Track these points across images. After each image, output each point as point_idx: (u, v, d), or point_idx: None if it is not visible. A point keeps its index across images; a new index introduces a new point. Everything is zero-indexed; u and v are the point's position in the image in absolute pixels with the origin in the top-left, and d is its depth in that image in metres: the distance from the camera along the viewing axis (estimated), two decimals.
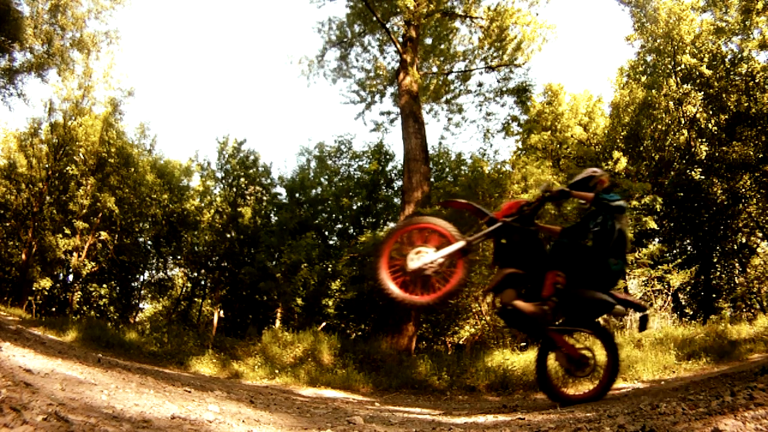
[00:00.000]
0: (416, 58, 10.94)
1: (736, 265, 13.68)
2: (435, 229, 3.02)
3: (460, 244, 2.88)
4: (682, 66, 13.39)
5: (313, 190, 15.34)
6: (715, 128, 13.00)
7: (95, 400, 1.37)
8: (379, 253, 2.96)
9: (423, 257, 2.85)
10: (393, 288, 2.86)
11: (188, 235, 17.80)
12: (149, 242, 19.46)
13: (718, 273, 13.79)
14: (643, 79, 14.84)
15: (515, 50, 11.11)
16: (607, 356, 3.09)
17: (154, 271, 20.29)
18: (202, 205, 18.31)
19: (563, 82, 17.81)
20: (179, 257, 18.98)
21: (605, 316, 3.17)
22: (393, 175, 15.80)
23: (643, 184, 9.55)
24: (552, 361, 3.16)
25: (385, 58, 12.67)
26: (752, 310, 12.34)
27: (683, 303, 13.24)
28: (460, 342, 11.30)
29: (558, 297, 2.92)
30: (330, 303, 10.54)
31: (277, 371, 6.51)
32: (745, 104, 12.46)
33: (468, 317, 10.04)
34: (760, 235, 13.27)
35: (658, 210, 10.78)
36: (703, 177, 12.26)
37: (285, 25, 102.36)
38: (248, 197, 17.98)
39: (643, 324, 3.25)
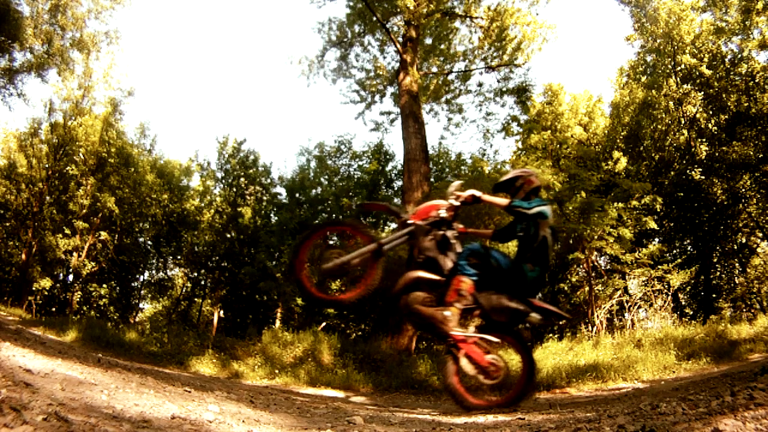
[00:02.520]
0: (416, 58, 10.94)
1: (736, 265, 13.68)
2: (351, 231, 3.11)
3: (372, 245, 2.95)
4: (682, 66, 13.40)
5: (313, 190, 15.35)
6: (715, 128, 13.00)
7: (95, 400, 1.37)
8: (296, 254, 3.00)
9: (336, 258, 2.92)
10: (308, 288, 2.96)
11: (188, 235, 17.81)
12: (149, 242, 19.47)
13: (718, 273, 13.79)
14: (643, 79, 14.84)
15: (515, 50, 11.10)
16: (522, 365, 3.01)
17: (154, 271, 20.31)
18: (202, 205, 18.32)
19: (563, 82, 17.85)
20: (179, 257, 19.00)
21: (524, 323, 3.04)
22: (393, 175, 15.81)
23: (643, 184, 9.55)
24: (460, 365, 3.04)
25: (385, 58, 12.67)
26: (752, 310, 12.34)
27: (683, 303, 13.24)
28: None
29: (465, 303, 2.87)
30: None
31: (277, 371, 6.51)
32: (745, 104, 12.46)
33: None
34: (760, 235, 13.27)
35: (658, 210, 10.78)
36: (703, 177, 12.26)
37: (285, 25, 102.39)
38: (248, 197, 17.99)
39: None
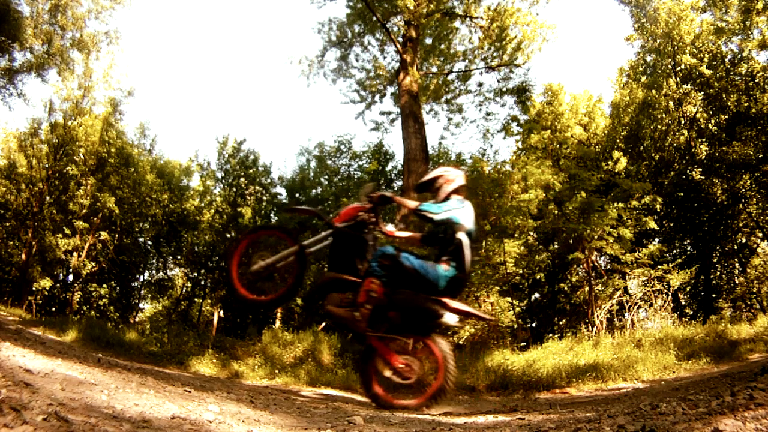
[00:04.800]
0: (416, 58, 10.94)
1: (736, 265, 13.68)
2: (279, 234, 3.29)
3: (294, 248, 3.10)
4: (682, 66, 13.40)
5: (313, 190, 15.36)
6: (715, 128, 13.00)
7: (95, 400, 1.37)
8: (230, 258, 3.16)
9: (262, 261, 3.08)
10: (239, 289, 3.10)
11: (188, 235, 17.80)
12: (149, 242, 19.47)
13: (718, 273, 13.79)
14: (643, 79, 14.84)
15: (515, 50, 11.11)
16: (437, 368, 3.00)
17: (154, 271, 20.32)
18: (202, 205, 18.32)
19: (563, 82, 17.86)
20: (179, 257, 19.00)
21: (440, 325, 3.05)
22: (393, 175, 15.83)
23: (643, 184, 9.55)
24: (374, 364, 3.10)
25: (385, 58, 12.68)
26: (752, 310, 12.34)
27: (683, 303, 13.23)
28: (460, 342, 11.30)
29: (377, 304, 2.91)
30: None
31: (277, 371, 6.51)
32: (745, 104, 12.46)
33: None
34: (760, 235, 13.27)
35: (658, 210, 10.77)
36: (703, 177, 12.26)
37: (285, 25, 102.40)
38: (248, 197, 17.99)
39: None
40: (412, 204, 3.13)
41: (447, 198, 3.17)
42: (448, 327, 3.06)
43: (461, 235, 2.99)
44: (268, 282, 3.18)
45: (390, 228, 3.34)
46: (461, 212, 3.06)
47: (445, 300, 2.95)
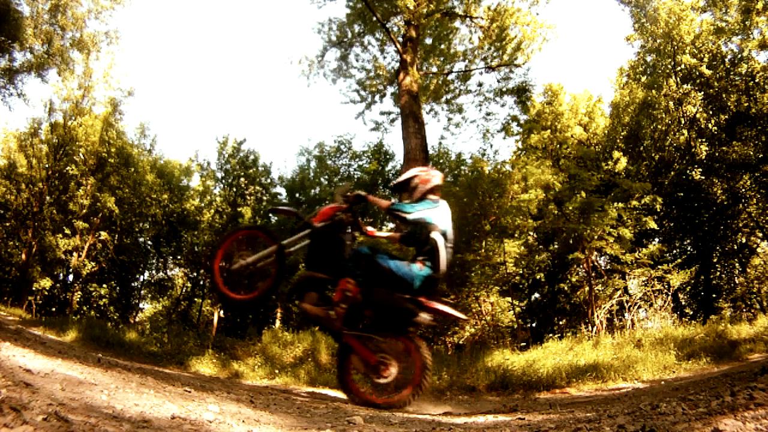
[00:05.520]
0: (416, 58, 10.94)
1: (736, 265, 13.68)
2: (260, 234, 3.39)
3: (273, 247, 3.18)
4: (682, 66, 13.40)
5: (313, 190, 15.36)
6: (715, 128, 13.00)
7: (95, 400, 1.37)
8: (213, 257, 3.25)
9: (243, 260, 3.16)
10: (222, 288, 3.19)
11: (188, 235, 17.80)
12: (149, 242, 19.47)
13: (718, 273, 13.79)
14: (643, 79, 14.84)
15: (515, 50, 11.11)
16: (414, 367, 3.05)
17: (154, 271, 20.32)
18: (202, 205, 18.31)
19: (563, 82, 17.85)
20: (179, 257, 18.99)
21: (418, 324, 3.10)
22: (393, 175, 15.83)
23: (643, 184, 9.55)
24: (351, 362, 3.16)
25: (385, 58, 12.68)
26: (752, 310, 12.34)
27: (683, 303, 13.23)
28: (460, 342, 11.30)
29: (353, 303, 2.96)
30: None
31: (277, 371, 6.51)
32: (745, 104, 12.46)
33: (468, 317, 10.04)
34: (760, 235, 13.27)
35: (658, 210, 10.78)
36: (703, 177, 12.26)
37: (285, 25, 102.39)
38: (248, 197, 17.99)
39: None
40: (385, 203, 3.17)
41: (422, 198, 3.22)
42: (423, 325, 3.10)
43: (436, 236, 3.03)
44: (250, 281, 3.27)
45: (371, 228, 3.42)
46: (435, 212, 3.10)
47: (421, 299, 3.00)
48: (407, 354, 3.06)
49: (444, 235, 3.09)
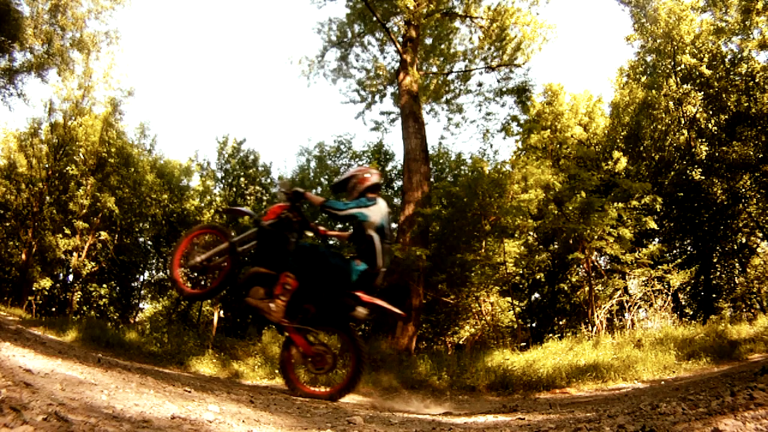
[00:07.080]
0: (416, 58, 10.94)
1: (736, 265, 13.67)
2: (212, 232, 3.55)
3: (225, 244, 3.33)
4: (682, 66, 13.39)
5: (313, 190, 15.35)
6: (715, 128, 12.99)
7: (95, 400, 1.37)
8: (174, 254, 3.41)
9: (198, 256, 3.33)
10: (178, 282, 3.35)
11: None
12: (149, 242, 19.45)
13: (718, 273, 13.78)
14: (643, 79, 14.84)
15: (515, 50, 11.11)
16: (350, 359, 3.17)
17: (154, 271, 20.29)
18: (202, 205, 18.29)
19: (563, 82, 17.84)
20: None
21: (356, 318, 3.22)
22: (393, 175, 15.82)
23: (643, 184, 9.54)
24: (291, 353, 3.31)
25: (385, 58, 12.68)
26: (752, 310, 12.34)
27: (683, 303, 13.23)
28: (460, 342, 11.30)
29: (292, 296, 3.08)
30: None
31: (277, 371, 6.51)
32: (745, 104, 12.45)
33: (468, 317, 10.04)
34: (760, 235, 13.26)
35: (658, 210, 10.78)
36: (703, 177, 12.26)
37: (285, 25, 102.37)
38: (248, 197, 17.98)
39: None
40: (319, 200, 3.28)
41: (359, 196, 3.34)
42: (360, 319, 3.21)
43: (372, 233, 3.15)
44: (206, 275, 3.42)
45: (322, 227, 3.60)
46: (370, 210, 3.21)
47: (358, 293, 3.11)
48: (345, 347, 3.23)
49: (381, 231, 3.20)
